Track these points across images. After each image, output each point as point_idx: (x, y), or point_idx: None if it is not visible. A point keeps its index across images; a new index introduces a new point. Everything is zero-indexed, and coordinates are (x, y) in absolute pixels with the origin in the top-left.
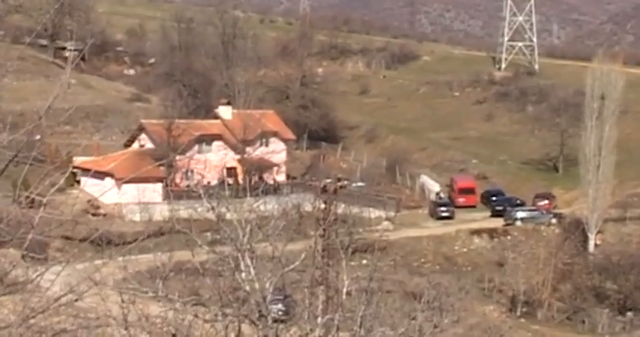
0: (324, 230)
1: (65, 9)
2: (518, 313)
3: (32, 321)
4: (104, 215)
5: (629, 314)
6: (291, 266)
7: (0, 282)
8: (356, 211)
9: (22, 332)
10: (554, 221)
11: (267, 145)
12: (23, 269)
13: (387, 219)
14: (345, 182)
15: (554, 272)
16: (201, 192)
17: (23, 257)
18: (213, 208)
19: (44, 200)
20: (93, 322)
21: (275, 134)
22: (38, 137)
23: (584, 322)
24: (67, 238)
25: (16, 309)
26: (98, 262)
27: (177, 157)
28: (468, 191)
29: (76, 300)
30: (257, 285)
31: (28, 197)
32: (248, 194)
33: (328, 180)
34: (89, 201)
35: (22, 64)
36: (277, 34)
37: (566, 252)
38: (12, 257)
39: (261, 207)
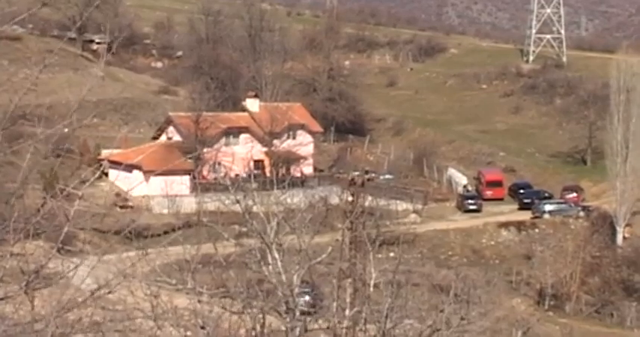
0: (352, 222)
1: (93, 2)
2: (546, 306)
3: (65, 313)
4: (132, 207)
5: None
6: (319, 259)
7: (36, 275)
8: (383, 204)
9: (56, 324)
10: (582, 214)
11: (294, 138)
12: (56, 262)
13: (415, 211)
14: (373, 174)
15: (582, 265)
16: (228, 184)
17: (59, 250)
18: (239, 201)
19: (79, 193)
20: (121, 314)
21: (302, 127)
22: (67, 130)
23: (612, 315)
24: (96, 230)
25: (47, 302)
26: (130, 254)
27: (205, 150)
28: (496, 184)
29: (109, 293)
30: (284, 278)
31: (61, 189)
32: (275, 186)
33: (355, 173)
34: (117, 193)
35: (51, 57)
36: (304, 26)
37: (595, 245)
38: (45, 250)
39: (288, 200)
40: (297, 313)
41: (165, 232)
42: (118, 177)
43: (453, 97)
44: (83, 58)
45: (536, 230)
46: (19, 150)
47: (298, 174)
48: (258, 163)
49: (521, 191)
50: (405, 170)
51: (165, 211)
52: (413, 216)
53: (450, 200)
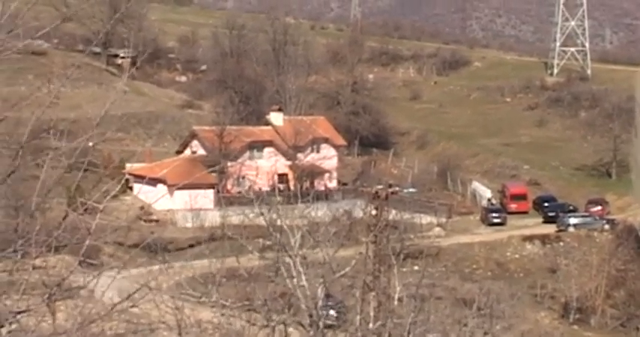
0: (375, 236)
1: (118, 17)
2: (571, 320)
3: (87, 326)
4: (156, 221)
5: None
6: (342, 272)
7: (58, 288)
8: (407, 217)
9: (78, 336)
10: (607, 227)
11: (318, 151)
12: (78, 274)
13: (439, 225)
14: (397, 188)
15: (608, 278)
16: (252, 198)
17: (80, 263)
18: (264, 214)
19: (101, 206)
20: (145, 327)
21: (326, 140)
22: (91, 144)
23: (638, 329)
24: (120, 244)
25: (70, 315)
26: (154, 268)
27: (229, 163)
28: (520, 197)
29: (132, 306)
30: (308, 291)
31: (83, 203)
32: (299, 200)
33: (379, 186)
34: (142, 207)
35: (76, 71)
36: (328, 40)
37: (620, 259)
38: (67, 262)
39: (312, 213)
40: (321, 326)
41: (190, 246)
42: (142, 191)
43: (476, 111)
44: (108, 73)
45: (561, 243)
46: (44, 164)
47: (322, 188)
48: (282, 177)
49: (546, 204)
50: (429, 183)
51: (190, 225)
52: (437, 229)
53: (474, 213)
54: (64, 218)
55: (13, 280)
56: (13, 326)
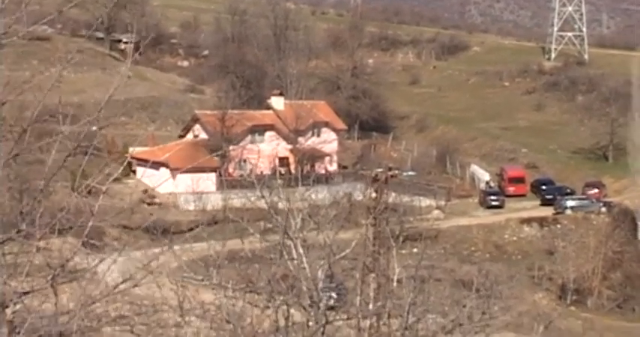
0: (375, 218)
1: (121, 2)
2: (568, 301)
3: (91, 307)
4: (159, 204)
5: None
6: (342, 254)
7: (61, 269)
8: (407, 200)
9: (81, 318)
10: (604, 209)
11: (318, 135)
12: (82, 256)
13: (438, 207)
14: (396, 171)
15: (604, 260)
16: (254, 181)
17: (83, 244)
18: (265, 197)
19: (104, 189)
20: (149, 308)
21: (326, 124)
22: (95, 128)
23: (634, 310)
24: (124, 227)
25: (74, 296)
26: (155, 250)
27: (231, 147)
28: (518, 180)
29: (134, 286)
30: (309, 273)
31: (87, 186)
32: (300, 183)
33: (379, 170)
34: (145, 190)
35: (79, 56)
36: (328, 25)
37: (616, 241)
38: (71, 245)
39: (313, 196)
40: (322, 307)
41: (192, 229)
42: (145, 175)
43: (475, 95)
44: (111, 58)
45: (558, 225)
46: (48, 147)
47: (323, 171)
48: (283, 160)
49: (544, 187)
50: (428, 167)
51: (192, 208)
52: (436, 212)
53: (472, 196)
54: (68, 201)
55: (17, 262)
56: (18, 307)
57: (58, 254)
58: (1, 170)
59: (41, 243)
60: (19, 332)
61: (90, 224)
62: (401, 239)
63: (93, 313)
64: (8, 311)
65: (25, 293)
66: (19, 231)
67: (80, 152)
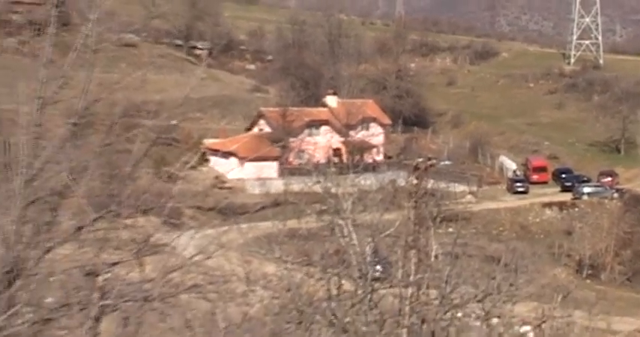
0: (416, 202)
1: (197, 14)
2: (584, 275)
3: (170, 277)
4: (229, 188)
5: None
6: (387, 233)
7: (145, 244)
8: (443, 186)
9: (161, 285)
10: (616, 195)
11: (367, 129)
12: (162, 233)
13: (470, 193)
14: (434, 161)
15: (616, 239)
16: (311, 169)
17: (164, 222)
18: (320, 183)
19: (181, 174)
20: (219, 279)
21: (374, 120)
22: (174, 122)
23: None
24: (198, 208)
25: (155, 267)
26: (225, 228)
27: (291, 139)
28: (541, 169)
29: (207, 259)
30: (358, 249)
31: (167, 172)
32: (350, 171)
33: (420, 159)
34: (216, 176)
35: (161, 60)
36: (376, 34)
37: (627, 222)
38: (153, 223)
39: (362, 182)
40: (369, 279)
41: (257, 210)
42: (216, 163)
43: (503, 95)
44: (188, 62)
45: (576, 209)
46: (134, 139)
47: (370, 161)
48: (337, 151)
49: (563, 175)
50: (462, 157)
51: (257, 192)
52: (469, 196)
53: (501, 183)
54: (150, 185)
55: (107, 237)
56: (108, 275)
57: (142, 231)
58: (94, 158)
59: (128, 221)
60: (108, 297)
61: (169, 205)
62: (438, 220)
63: (171, 282)
64: (99, 279)
65: (114, 264)
66: (109, 211)
67: (161, 143)
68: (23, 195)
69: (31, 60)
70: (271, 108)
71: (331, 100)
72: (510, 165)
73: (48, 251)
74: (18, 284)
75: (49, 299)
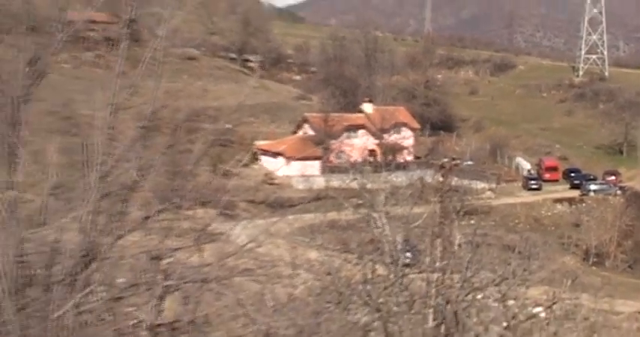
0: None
1: (250, 31)
2: (590, 262)
3: (225, 261)
4: (277, 184)
5: None
6: (416, 224)
7: (203, 232)
8: (466, 183)
9: (217, 269)
10: (619, 192)
11: (399, 133)
12: (219, 223)
13: (490, 189)
14: (458, 161)
15: (619, 231)
16: (349, 167)
17: (220, 214)
18: (357, 180)
19: (235, 171)
20: (268, 264)
21: (405, 124)
22: (230, 126)
23: None
24: (250, 201)
25: (212, 252)
26: (274, 219)
27: (332, 141)
28: (553, 169)
29: (258, 246)
30: (390, 238)
31: (223, 169)
32: (384, 169)
33: (445, 160)
34: (266, 173)
35: (218, 72)
36: (407, 49)
37: (629, 216)
38: (211, 214)
39: (394, 180)
40: (400, 265)
41: (301, 203)
42: (266, 162)
43: (520, 103)
44: (242, 73)
45: (584, 204)
46: (194, 140)
47: (402, 160)
48: (372, 152)
49: (572, 174)
50: (483, 158)
51: (302, 187)
52: (488, 192)
53: (517, 181)
54: (209, 181)
55: (171, 226)
56: (171, 259)
57: (201, 221)
58: (159, 157)
59: (188, 212)
60: (171, 279)
61: (225, 198)
62: (461, 213)
63: (226, 266)
64: (163, 262)
65: (176, 250)
66: (172, 203)
67: (218, 144)
68: (98, 189)
69: (106, 71)
70: (314, 114)
71: (367, 107)
72: (525, 165)
73: (119, 238)
74: (93, 266)
75: (120, 280)
